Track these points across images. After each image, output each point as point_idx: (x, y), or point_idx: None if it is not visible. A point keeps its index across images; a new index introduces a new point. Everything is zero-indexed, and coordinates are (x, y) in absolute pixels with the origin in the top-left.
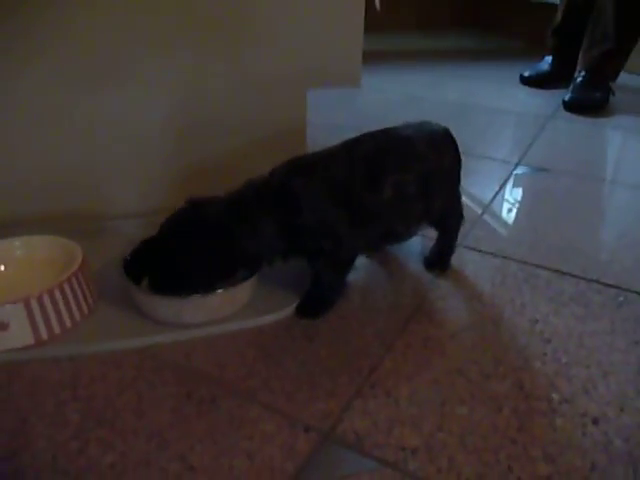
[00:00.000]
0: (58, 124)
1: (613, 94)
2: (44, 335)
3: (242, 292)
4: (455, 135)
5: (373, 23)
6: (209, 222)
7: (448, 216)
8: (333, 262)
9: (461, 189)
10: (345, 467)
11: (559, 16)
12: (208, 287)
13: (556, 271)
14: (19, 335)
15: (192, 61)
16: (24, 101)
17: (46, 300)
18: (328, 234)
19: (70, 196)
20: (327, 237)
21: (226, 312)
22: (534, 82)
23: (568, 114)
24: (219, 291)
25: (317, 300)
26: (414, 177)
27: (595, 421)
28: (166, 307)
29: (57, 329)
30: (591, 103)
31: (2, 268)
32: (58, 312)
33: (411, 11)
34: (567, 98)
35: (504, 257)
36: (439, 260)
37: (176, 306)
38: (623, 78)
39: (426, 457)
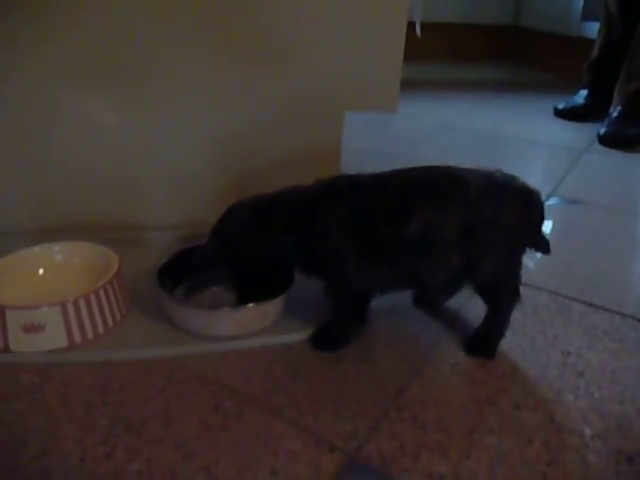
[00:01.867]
0: (104, 132)
1: None
2: (77, 339)
3: (272, 308)
4: (487, 164)
5: (408, 51)
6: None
7: (501, 287)
8: (340, 294)
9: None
10: None
11: (596, 51)
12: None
13: (589, 304)
14: (54, 337)
15: (239, 75)
16: (70, 108)
17: (82, 305)
18: (335, 266)
19: (110, 205)
20: (334, 269)
21: (256, 327)
22: (568, 115)
23: (602, 148)
24: (250, 305)
25: (328, 332)
26: (452, 220)
27: (629, 460)
28: (197, 318)
29: (90, 334)
30: (626, 138)
31: (41, 272)
32: (92, 317)
33: (445, 42)
34: (602, 132)
35: (536, 288)
36: (483, 344)
37: (207, 318)
38: None
39: None
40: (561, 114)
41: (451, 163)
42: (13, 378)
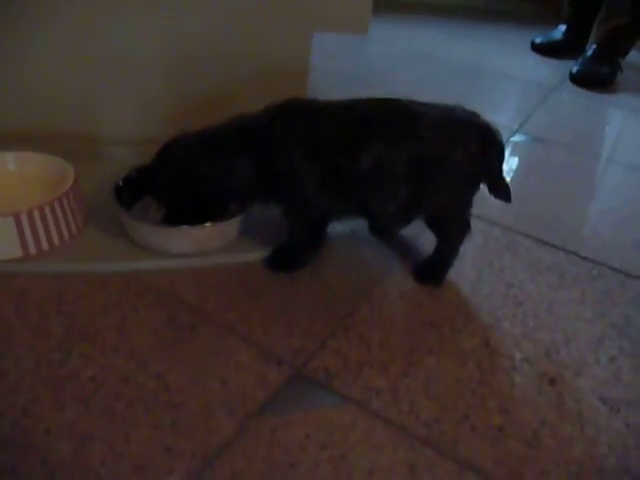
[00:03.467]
0: (58, 43)
1: (621, 71)
2: (32, 250)
3: (230, 227)
4: (461, 96)
5: None
6: (180, 158)
7: (448, 220)
8: (300, 218)
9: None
10: (312, 401)
11: None
12: (192, 220)
13: (537, 240)
14: (7, 247)
15: None
16: (20, 19)
17: (36, 216)
18: (296, 188)
19: (67, 117)
20: (295, 191)
21: (213, 246)
22: (545, 50)
23: (573, 86)
24: (207, 224)
25: (284, 254)
26: (402, 156)
27: (552, 382)
28: (155, 235)
29: (45, 245)
30: (598, 77)
31: None
32: (47, 229)
33: None
34: (574, 70)
35: (489, 221)
36: (431, 273)
37: (164, 235)
38: (633, 55)
39: (390, 398)
40: (538, 48)
41: (424, 93)
42: None
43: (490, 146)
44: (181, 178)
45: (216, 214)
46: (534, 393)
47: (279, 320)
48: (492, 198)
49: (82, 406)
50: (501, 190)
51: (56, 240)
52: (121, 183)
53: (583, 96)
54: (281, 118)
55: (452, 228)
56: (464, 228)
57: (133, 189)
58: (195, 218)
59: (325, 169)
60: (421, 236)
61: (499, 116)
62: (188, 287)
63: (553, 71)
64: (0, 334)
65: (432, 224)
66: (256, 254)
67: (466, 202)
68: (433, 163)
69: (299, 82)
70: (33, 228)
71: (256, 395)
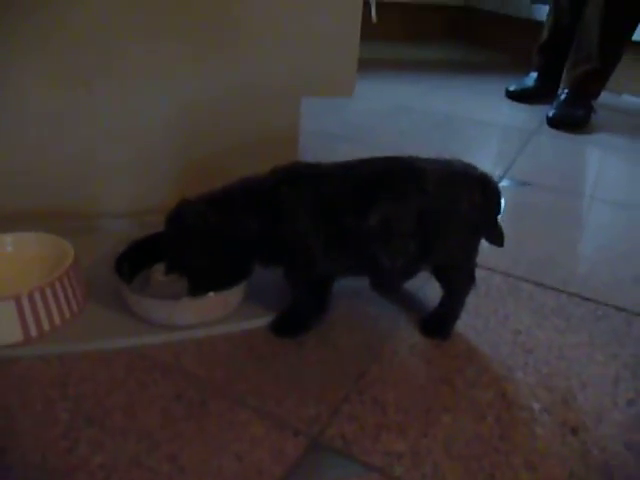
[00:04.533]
0: (51, 120)
1: (594, 112)
2: (33, 332)
3: (233, 296)
4: (444, 146)
5: (362, 31)
6: (195, 223)
7: (454, 271)
8: (303, 280)
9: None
10: (333, 471)
11: (545, 34)
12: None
13: (538, 284)
14: (8, 332)
15: (190, 62)
16: (16, 96)
17: (37, 297)
18: (300, 250)
19: (61, 193)
20: (299, 253)
21: (217, 315)
22: (519, 97)
23: (551, 129)
24: (210, 294)
25: (289, 319)
26: (410, 211)
27: (574, 431)
28: (157, 308)
29: (47, 327)
30: (574, 120)
31: None
32: (48, 310)
33: (399, 22)
34: (551, 114)
35: (488, 269)
36: (438, 326)
37: (167, 307)
38: (604, 97)
39: (411, 462)
40: (512, 96)
41: (409, 146)
42: None
43: (490, 195)
44: (202, 243)
45: (244, 273)
46: (558, 445)
47: (291, 388)
48: (486, 245)
49: None
50: (496, 236)
51: (57, 320)
52: (121, 257)
53: (561, 138)
54: (286, 181)
55: (459, 278)
56: (470, 278)
57: (132, 263)
58: (223, 282)
59: (331, 230)
60: (424, 288)
61: (483, 163)
62: (195, 359)
63: (529, 116)
64: (3, 426)
65: (439, 275)
66: (261, 320)
67: (472, 251)
68: (440, 215)
69: (290, 147)
70: (34, 310)
71: (274, 470)
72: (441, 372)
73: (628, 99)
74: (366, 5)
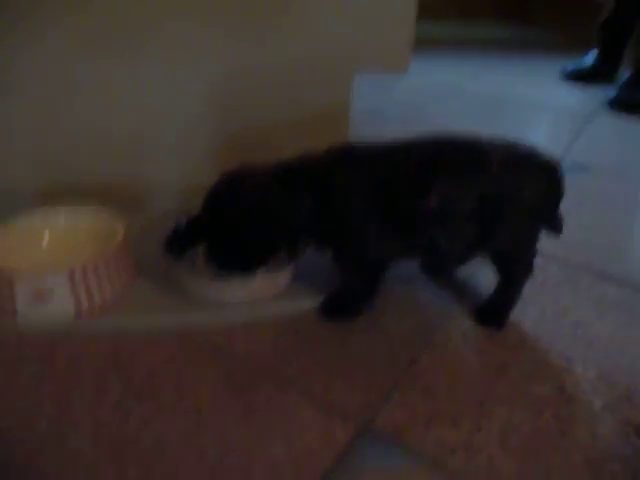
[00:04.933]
0: (101, 94)
1: None
2: (85, 307)
3: (283, 276)
4: (496, 129)
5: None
6: (249, 196)
7: (514, 258)
8: (357, 264)
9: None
10: (383, 460)
11: (608, 9)
12: (256, 263)
13: (598, 274)
14: (60, 306)
15: (236, 36)
16: (69, 70)
17: (90, 272)
18: (355, 233)
19: (110, 166)
20: (354, 236)
21: (266, 294)
22: (577, 77)
23: (612, 112)
24: (260, 274)
25: (338, 302)
26: (471, 194)
27: (638, 430)
28: (208, 286)
29: (98, 302)
30: (637, 102)
31: (47, 236)
32: (100, 284)
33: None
34: (612, 96)
35: (545, 256)
36: (493, 314)
37: (218, 286)
38: None
39: (465, 455)
40: (569, 76)
41: (461, 127)
42: (22, 348)
43: (554, 183)
44: (254, 218)
45: (263, 260)
46: (621, 444)
47: (340, 373)
48: (546, 233)
49: (144, 471)
50: (555, 223)
51: (108, 295)
52: (170, 234)
53: (623, 121)
54: (341, 163)
55: (517, 266)
56: (529, 267)
57: (182, 240)
58: (243, 264)
59: (387, 212)
60: (476, 275)
61: (540, 147)
62: (243, 340)
63: (588, 98)
64: (56, 398)
65: (497, 262)
66: (309, 302)
67: (532, 239)
68: (502, 200)
69: (341, 124)
70: (87, 285)
71: (323, 455)
72: (495, 362)
73: None
74: None
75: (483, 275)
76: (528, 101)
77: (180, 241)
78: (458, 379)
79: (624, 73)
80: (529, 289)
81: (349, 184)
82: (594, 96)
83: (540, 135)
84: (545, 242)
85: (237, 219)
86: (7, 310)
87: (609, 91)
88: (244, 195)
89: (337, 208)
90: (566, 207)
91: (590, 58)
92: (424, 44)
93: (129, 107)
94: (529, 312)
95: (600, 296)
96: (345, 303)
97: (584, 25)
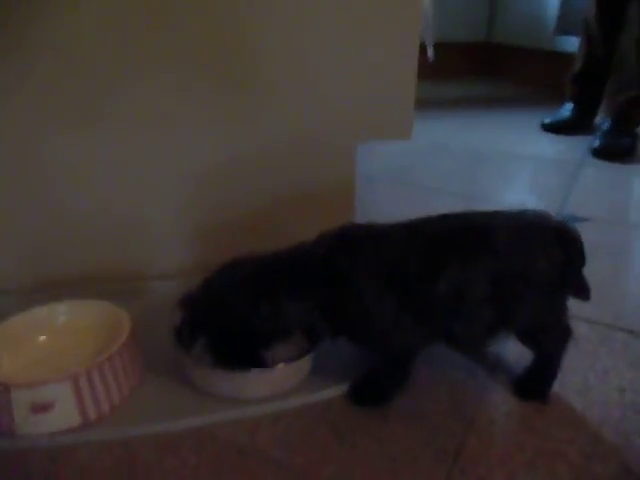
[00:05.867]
0: (94, 180)
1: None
2: (92, 415)
3: (305, 364)
4: (487, 183)
5: None
6: (220, 298)
7: (543, 332)
8: (384, 355)
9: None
10: None
11: (578, 64)
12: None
13: (630, 331)
14: (65, 415)
15: (232, 114)
16: (56, 154)
17: (95, 376)
18: (371, 324)
19: (107, 255)
20: (370, 327)
21: (289, 386)
22: (556, 128)
23: (597, 161)
24: (281, 364)
25: (369, 387)
26: (481, 276)
27: None
28: (226, 381)
29: (106, 408)
30: (620, 150)
31: (43, 337)
32: (107, 388)
33: (425, 61)
34: (596, 145)
35: (571, 317)
36: (535, 388)
37: (237, 380)
38: None
39: None
40: (549, 128)
41: (453, 185)
42: (21, 465)
43: (569, 247)
44: (220, 317)
45: (254, 358)
46: None
47: (383, 468)
48: None
49: None
50: (581, 288)
51: (117, 400)
52: (180, 326)
53: (610, 169)
54: (341, 248)
55: (550, 339)
56: (563, 335)
57: (191, 329)
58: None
59: (401, 298)
60: (508, 344)
61: (535, 200)
62: (271, 438)
63: (569, 148)
64: None
65: (525, 339)
66: (336, 389)
67: (559, 310)
68: (514, 278)
69: (346, 199)
70: (92, 390)
71: None
72: (548, 443)
73: None
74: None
75: (511, 344)
76: (513, 154)
77: (189, 331)
78: (513, 466)
79: (601, 122)
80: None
81: (353, 273)
82: (575, 146)
83: (534, 187)
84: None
85: (211, 324)
86: (3, 423)
87: (591, 140)
88: (215, 301)
89: (342, 298)
90: None
91: (566, 110)
92: None
93: (112, 188)
94: (570, 381)
95: (637, 356)
96: (376, 388)
97: (556, 79)
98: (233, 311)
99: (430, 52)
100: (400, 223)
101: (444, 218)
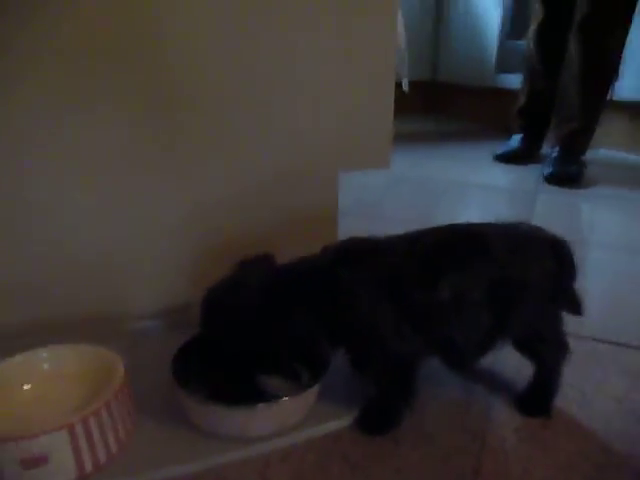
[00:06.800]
0: (71, 220)
1: (585, 167)
2: (89, 466)
3: (312, 395)
4: (453, 213)
5: None
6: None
7: (540, 341)
8: (382, 369)
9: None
10: None
11: (523, 98)
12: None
13: (614, 343)
14: (60, 469)
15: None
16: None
17: (92, 423)
18: (371, 335)
19: (88, 296)
20: (371, 340)
21: (296, 420)
22: (507, 159)
23: (550, 187)
24: (286, 398)
25: (376, 413)
26: (479, 283)
27: None
28: (231, 419)
29: (103, 458)
30: (570, 176)
31: (27, 387)
32: (104, 437)
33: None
34: (548, 172)
35: None
36: (538, 403)
37: (243, 417)
38: (590, 152)
39: None
40: (500, 158)
41: (420, 216)
42: None
43: (563, 260)
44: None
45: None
46: None
47: None
48: None
49: None
50: (574, 302)
51: (114, 448)
52: (175, 365)
53: (563, 194)
54: (343, 262)
55: (546, 349)
56: (561, 347)
57: (185, 367)
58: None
59: (400, 308)
60: (504, 361)
61: None
62: (283, 475)
63: (523, 176)
64: None
65: (524, 349)
66: (344, 419)
67: (554, 320)
68: (511, 285)
69: (330, 226)
70: (89, 439)
71: None
72: (561, 457)
73: (606, 153)
74: None
75: (505, 359)
76: (475, 184)
77: (183, 369)
78: None
79: (550, 151)
80: None
81: (354, 284)
82: (526, 175)
83: (495, 215)
84: None
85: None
86: None
87: (542, 168)
88: (220, 319)
89: (344, 310)
90: None
91: (515, 141)
92: None
93: (103, 235)
94: (569, 394)
95: (626, 366)
96: (384, 412)
97: (501, 114)
98: (238, 329)
99: (405, 85)
100: (399, 235)
101: (442, 229)
